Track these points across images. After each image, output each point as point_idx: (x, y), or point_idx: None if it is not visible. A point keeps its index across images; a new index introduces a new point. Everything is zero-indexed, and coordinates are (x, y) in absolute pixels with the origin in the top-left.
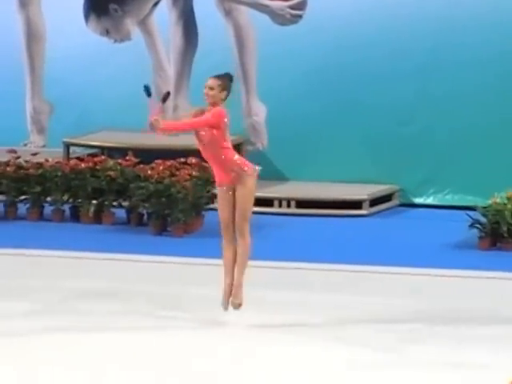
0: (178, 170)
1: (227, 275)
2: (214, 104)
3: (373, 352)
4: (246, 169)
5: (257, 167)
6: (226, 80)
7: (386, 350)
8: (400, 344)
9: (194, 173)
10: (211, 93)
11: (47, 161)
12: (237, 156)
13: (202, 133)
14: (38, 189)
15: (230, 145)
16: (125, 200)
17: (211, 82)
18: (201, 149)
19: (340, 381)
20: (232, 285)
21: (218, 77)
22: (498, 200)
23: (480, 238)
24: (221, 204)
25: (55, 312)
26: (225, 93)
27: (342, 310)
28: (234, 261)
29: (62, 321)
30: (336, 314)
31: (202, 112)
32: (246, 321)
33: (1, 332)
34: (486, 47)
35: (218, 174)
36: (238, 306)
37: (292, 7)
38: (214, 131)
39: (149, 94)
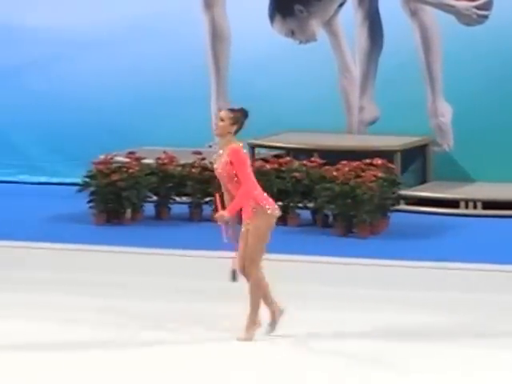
0: (363, 171)
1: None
2: (221, 135)
3: None
4: (266, 206)
5: (277, 212)
6: (238, 114)
7: None
8: None
9: (379, 174)
10: (221, 124)
11: None
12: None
13: (219, 170)
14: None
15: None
16: (310, 201)
17: (223, 113)
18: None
19: None
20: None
21: (232, 110)
22: None
23: None
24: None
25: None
26: (235, 127)
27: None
28: None
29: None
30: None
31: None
32: (430, 322)
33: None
34: None
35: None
36: (241, 338)
37: (478, 7)
38: (232, 168)
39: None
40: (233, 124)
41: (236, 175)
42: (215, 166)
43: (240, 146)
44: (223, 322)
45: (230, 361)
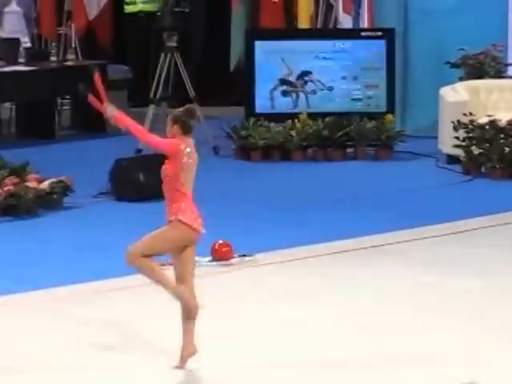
0: None
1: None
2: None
3: None
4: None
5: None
6: (178, 114)
7: None
8: None
9: None
10: (167, 128)
11: None
12: (185, 209)
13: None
14: None
15: (187, 191)
16: None
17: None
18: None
19: None
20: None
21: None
22: None
23: None
24: None
25: None
26: (176, 127)
27: None
28: None
29: None
30: None
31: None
32: None
33: None
34: None
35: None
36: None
37: None
38: (167, 166)
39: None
40: (172, 125)
41: (171, 178)
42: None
43: (182, 144)
44: None
45: None
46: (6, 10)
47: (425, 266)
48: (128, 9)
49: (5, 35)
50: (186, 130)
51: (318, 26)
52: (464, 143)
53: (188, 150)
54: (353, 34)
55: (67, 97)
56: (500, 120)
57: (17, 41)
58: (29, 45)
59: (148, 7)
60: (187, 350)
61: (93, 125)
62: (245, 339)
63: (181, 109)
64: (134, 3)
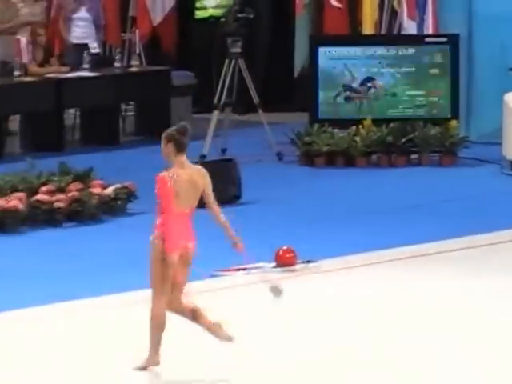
0: None
1: None
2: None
3: None
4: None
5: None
6: (172, 132)
7: None
8: None
9: None
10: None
11: None
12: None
13: None
14: None
15: (173, 208)
16: None
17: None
18: None
19: None
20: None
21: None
22: None
23: None
24: None
25: None
26: (170, 146)
27: None
28: None
29: None
30: None
31: None
32: None
33: None
34: None
35: None
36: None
37: None
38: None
39: None
40: (167, 144)
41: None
42: None
43: (162, 176)
44: None
45: None
46: (75, 16)
47: (490, 272)
48: (198, 14)
49: (73, 41)
50: (180, 148)
51: (382, 32)
52: None
53: (171, 176)
54: (417, 39)
55: (131, 103)
56: None
57: (85, 47)
58: (97, 50)
59: (218, 12)
60: (218, 333)
61: (157, 131)
62: (307, 344)
63: (174, 127)
64: (205, 8)
